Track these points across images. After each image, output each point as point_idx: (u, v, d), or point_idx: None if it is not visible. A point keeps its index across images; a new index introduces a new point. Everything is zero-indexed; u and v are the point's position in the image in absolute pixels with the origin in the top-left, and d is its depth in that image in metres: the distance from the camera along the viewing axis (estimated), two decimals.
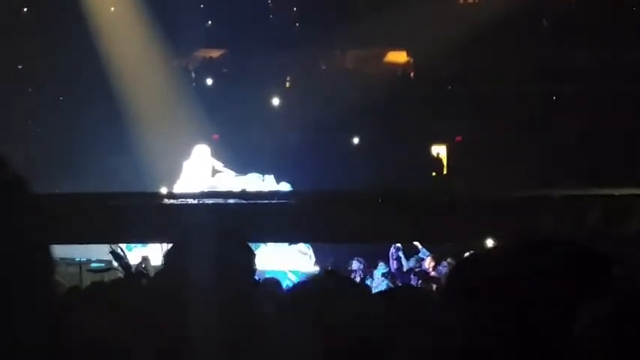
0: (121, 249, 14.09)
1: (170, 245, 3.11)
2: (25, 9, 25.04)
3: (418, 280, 14.62)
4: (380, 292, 7.73)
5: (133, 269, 12.38)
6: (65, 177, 17.49)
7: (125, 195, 13.01)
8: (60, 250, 12.46)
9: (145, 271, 12.21)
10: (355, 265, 15.59)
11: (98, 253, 14.95)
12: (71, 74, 22.37)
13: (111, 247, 14.65)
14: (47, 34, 22.63)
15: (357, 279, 14.63)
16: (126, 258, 13.20)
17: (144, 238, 14.32)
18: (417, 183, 20.97)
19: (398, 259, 15.77)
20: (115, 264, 14.84)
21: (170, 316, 2.82)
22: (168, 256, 3.08)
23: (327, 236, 13.37)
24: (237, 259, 2.98)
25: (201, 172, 18.29)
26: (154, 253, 15.90)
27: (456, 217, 12.07)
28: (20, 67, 24.06)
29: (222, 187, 16.95)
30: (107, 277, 11.15)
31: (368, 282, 14.50)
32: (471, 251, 1.83)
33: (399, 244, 15.72)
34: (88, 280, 10.48)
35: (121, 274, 11.79)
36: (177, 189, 17.30)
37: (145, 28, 22.90)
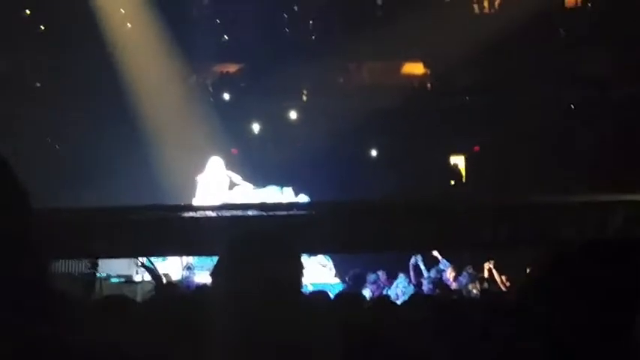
0: (150, 261, 14.14)
1: (215, 259, 3.10)
2: (42, 27, 25.16)
3: (436, 290, 14.57)
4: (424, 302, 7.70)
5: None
6: (84, 192, 17.54)
7: (145, 208, 13.03)
8: (80, 266, 12.52)
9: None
10: (374, 276, 15.55)
11: (117, 267, 15.00)
12: (88, 91, 22.45)
13: (140, 260, 14.72)
14: (64, 51, 22.74)
15: (377, 291, 14.62)
16: (156, 270, 13.25)
17: (164, 252, 14.34)
18: (436, 193, 20.94)
19: (417, 269, 15.74)
20: (136, 278, 14.90)
21: (221, 326, 2.82)
22: (216, 269, 3.07)
23: (347, 247, 13.36)
24: (286, 269, 2.97)
25: (218, 185, 18.30)
26: (174, 267, 15.95)
27: (475, 226, 12.05)
28: (38, 84, 24.17)
29: (240, 200, 16.97)
30: (127, 290, 11.18)
31: (388, 293, 14.46)
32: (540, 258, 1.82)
33: (418, 255, 15.70)
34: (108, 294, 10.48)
35: (142, 287, 11.83)
36: (195, 202, 17.32)
37: (162, 43, 22.99)
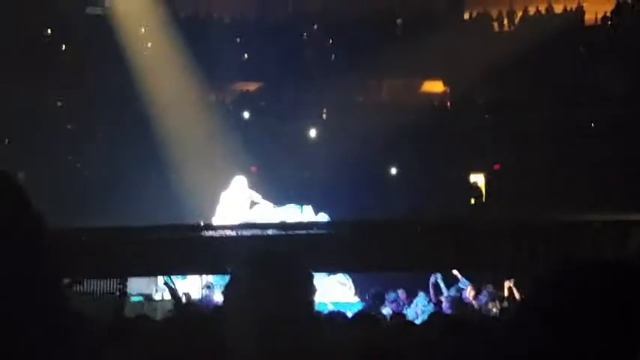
0: (171, 280, 14.17)
1: (228, 277, 3.12)
2: (64, 46, 25.33)
3: (455, 309, 14.50)
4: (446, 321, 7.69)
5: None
6: (105, 211, 17.60)
7: (165, 228, 13.07)
8: (100, 285, 12.57)
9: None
10: (394, 295, 15.51)
11: (137, 286, 15.02)
12: (110, 109, 22.57)
13: (165, 279, 14.76)
14: (85, 70, 22.88)
15: (397, 309, 14.58)
16: (176, 290, 13.30)
17: (183, 271, 14.36)
18: (456, 211, 20.89)
19: (437, 288, 15.69)
20: (156, 297, 14.93)
21: (233, 345, 2.83)
22: (228, 288, 3.09)
23: (366, 266, 13.35)
24: (297, 288, 2.98)
25: (239, 204, 18.32)
26: (194, 286, 15.95)
27: (495, 245, 12.03)
28: (60, 104, 24.31)
29: (260, 219, 16.98)
30: (147, 309, 11.21)
31: (407, 312, 14.42)
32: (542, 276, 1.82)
33: (438, 274, 15.65)
34: (129, 313, 10.52)
35: (162, 306, 11.86)
36: (216, 221, 17.34)
37: (182, 62, 23.09)
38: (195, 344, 3.26)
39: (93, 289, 11.85)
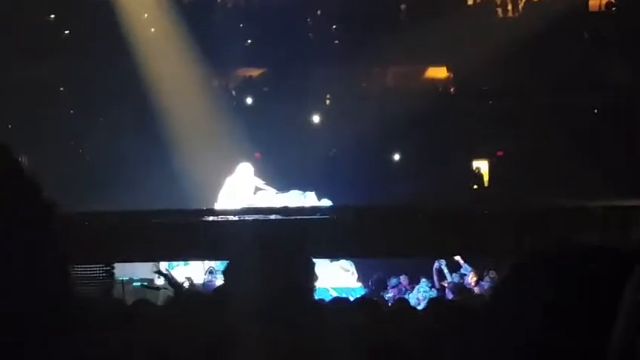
0: (166, 268, 14.18)
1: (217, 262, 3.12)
2: (67, 31, 25.28)
3: (456, 295, 14.54)
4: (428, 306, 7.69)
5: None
6: (108, 196, 17.58)
7: (168, 213, 13.05)
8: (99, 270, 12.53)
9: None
10: (395, 281, 15.55)
11: (140, 271, 15.03)
12: (113, 95, 22.55)
13: (155, 266, 14.76)
14: (88, 56, 22.84)
15: (398, 295, 14.61)
16: (172, 277, 13.29)
17: (186, 257, 14.36)
18: (459, 198, 20.88)
19: (441, 274, 15.72)
20: (158, 282, 14.94)
21: (230, 331, 2.82)
22: (227, 273, 3.08)
23: (369, 252, 13.35)
24: (296, 272, 2.97)
25: (243, 190, 18.33)
26: (196, 271, 15.96)
27: (497, 231, 12.02)
28: (62, 89, 24.29)
29: (263, 205, 16.98)
30: (149, 294, 11.19)
31: (409, 297, 14.44)
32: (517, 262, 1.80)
33: (442, 260, 15.67)
34: (131, 298, 10.51)
35: (163, 292, 11.84)
36: (218, 206, 17.34)
37: (185, 48, 23.05)
38: (193, 328, 3.25)
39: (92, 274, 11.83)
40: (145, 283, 14.80)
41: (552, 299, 1.65)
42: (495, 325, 1.71)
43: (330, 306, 7.24)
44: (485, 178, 23.90)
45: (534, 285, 1.70)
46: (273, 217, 12.61)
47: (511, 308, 1.70)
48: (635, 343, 1.43)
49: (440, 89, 25.77)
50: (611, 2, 25.13)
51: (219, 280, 14.69)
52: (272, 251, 3.02)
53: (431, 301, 8.97)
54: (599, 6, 25.58)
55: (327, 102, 25.67)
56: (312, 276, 3.03)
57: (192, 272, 15.69)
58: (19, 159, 2.08)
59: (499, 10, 26.96)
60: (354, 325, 5.94)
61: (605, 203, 12.48)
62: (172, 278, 13.21)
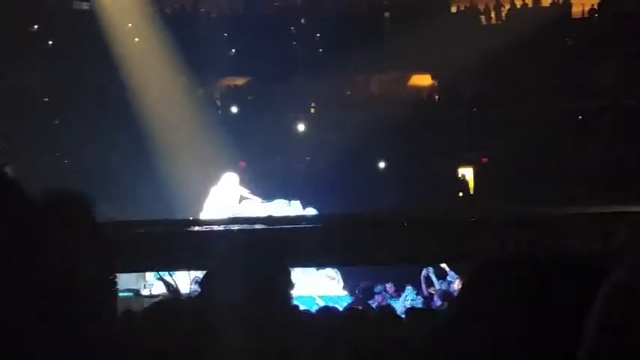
0: (170, 275, 14.11)
1: (204, 272, 3.12)
2: (51, 42, 25.23)
3: (443, 302, 14.54)
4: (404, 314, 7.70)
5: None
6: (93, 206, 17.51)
7: (152, 223, 13.02)
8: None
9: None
10: (380, 288, 15.55)
11: (126, 282, 14.96)
12: (97, 105, 22.49)
13: (158, 273, 14.71)
14: (71, 66, 22.79)
15: (383, 302, 14.60)
16: (171, 284, 13.25)
17: (172, 267, 14.33)
18: (445, 205, 20.91)
19: (429, 281, 15.73)
20: (144, 292, 14.91)
21: (206, 340, 2.82)
22: (203, 282, 3.08)
23: (355, 260, 13.33)
24: (273, 282, 2.97)
25: (228, 200, 18.30)
26: (182, 281, 15.93)
27: (481, 238, 12.03)
28: (46, 99, 24.23)
29: (248, 214, 16.95)
30: (135, 304, 11.16)
31: (395, 305, 14.43)
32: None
33: (430, 267, 15.68)
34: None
35: (149, 302, 11.80)
36: (204, 216, 17.31)
37: (170, 58, 23.02)
38: (169, 337, 3.25)
39: None
40: (131, 294, 14.77)
41: (509, 304, 1.66)
42: (459, 329, 1.73)
43: (314, 315, 7.25)
44: (471, 185, 23.93)
45: (492, 290, 1.71)
46: (258, 226, 12.60)
47: (470, 313, 1.72)
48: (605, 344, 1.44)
49: (424, 96, 25.82)
50: (594, 9, 25.26)
51: None
52: (247, 261, 3.02)
53: (409, 310, 9.02)
54: (582, 12, 25.70)
55: (312, 110, 25.69)
56: (287, 283, 3.04)
57: (178, 282, 15.65)
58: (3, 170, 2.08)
59: (483, 17, 27.07)
60: (333, 332, 5.95)
61: (591, 209, 12.51)
62: (170, 284, 13.17)
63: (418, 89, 26.20)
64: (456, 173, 23.94)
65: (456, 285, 15.40)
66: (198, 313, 3.07)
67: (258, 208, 18.09)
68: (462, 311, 1.73)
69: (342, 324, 6.43)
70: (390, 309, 11.62)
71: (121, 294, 14.08)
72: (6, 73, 22.03)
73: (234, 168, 19.70)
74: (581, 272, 1.66)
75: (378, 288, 15.57)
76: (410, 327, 7.19)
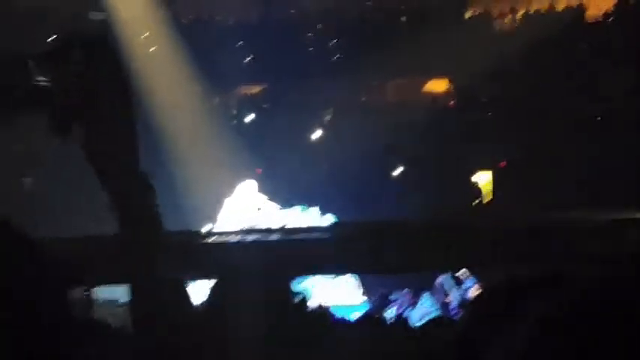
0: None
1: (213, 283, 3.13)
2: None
3: (460, 309, 14.51)
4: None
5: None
6: (108, 218, 17.54)
7: (168, 234, 12.97)
8: (104, 292, 12.47)
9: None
10: (395, 297, 15.51)
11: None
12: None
13: None
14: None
15: (400, 310, 14.57)
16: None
17: (189, 278, 14.29)
18: (463, 210, 20.84)
19: (445, 288, 15.67)
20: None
21: (213, 349, 2.83)
22: (211, 294, 3.09)
23: (371, 269, 13.30)
24: (274, 296, 2.97)
25: (245, 208, 18.31)
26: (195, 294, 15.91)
27: (501, 244, 11.96)
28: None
29: (265, 222, 16.96)
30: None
31: (412, 313, 14.39)
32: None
33: (446, 274, 15.64)
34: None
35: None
36: (221, 225, 17.33)
37: (186, 66, 23.07)
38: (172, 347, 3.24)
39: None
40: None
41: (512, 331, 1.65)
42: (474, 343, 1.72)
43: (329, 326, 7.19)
44: (489, 189, 23.83)
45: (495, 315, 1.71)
46: (274, 236, 12.57)
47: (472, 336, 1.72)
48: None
49: (441, 101, 25.76)
50: (609, 13, 25.16)
51: None
52: (248, 277, 3.03)
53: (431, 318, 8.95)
54: (596, 17, 25.61)
55: (329, 117, 25.67)
56: (288, 298, 3.04)
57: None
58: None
59: (497, 22, 27.00)
60: (347, 344, 5.91)
61: (612, 215, 12.41)
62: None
63: (434, 94, 26.15)
64: (474, 178, 23.87)
65: (473, 292, 15.35)
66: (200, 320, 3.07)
67: (275, 215, 18.11)
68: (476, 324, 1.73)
69: (356, 335, 6.39)
70: (405, 319, 11.60)
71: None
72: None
73: (251, 175, 19.72)
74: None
75: (394, 295, 15.54)
76: (425, 337, 7.14)
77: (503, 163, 23.46)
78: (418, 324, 10.53)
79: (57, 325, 1.92)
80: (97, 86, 1.82)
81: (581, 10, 25.84)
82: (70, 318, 1.99)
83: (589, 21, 25.65)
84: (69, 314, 2.00)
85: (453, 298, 15.36)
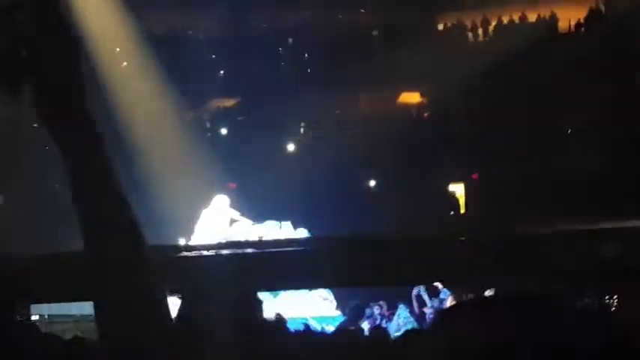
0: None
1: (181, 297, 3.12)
2: None
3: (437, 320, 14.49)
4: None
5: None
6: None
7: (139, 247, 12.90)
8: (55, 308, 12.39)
9: None
10: (369, 311, 15.47)
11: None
12: None
13: None
14: None
15: (377, 322, 14.55)
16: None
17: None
18: (435, 223, 20.86)
19: (421, 299, 15.69)
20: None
21: None
22: (181, 307, 3.09)
23: (345, 282, 13.28)
24: (239, 308, 2.97)
25: (218, 222, 18.25)
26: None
27: (473, 256, 11.98)
28: (35, 125, 24.15)
29: (239, 237, 16.92)
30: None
31: (388, 325, 14.38)
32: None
33: (421, 286, 15.64)
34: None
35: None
36: (194, 240, 17.28)
37: (158, 81, 22.99)
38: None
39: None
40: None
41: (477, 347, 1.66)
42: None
43: (303, 339, 7.19)
44: (462, 202, 23.89)
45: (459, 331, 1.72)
46: (249, 250, 12.54)
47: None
48: None
49: (414, 114, 25.83)
50: (581, 23, 25.34)
51: None
52: (213, 289, 3.03)
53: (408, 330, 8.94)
54: (569, 27, 25.78)
55: (302, 130, 25.68)
56: (255, 310, 3.04)
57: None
58: None
59: (470, 34, 27.13)
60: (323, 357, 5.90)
61: (580, 226, 12.46)
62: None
63: (407, 107, 26.22)
64: (447, 190, 23.92)
65: (449, 303, 15.35)
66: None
67: (249, 230, 18.07)
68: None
69: (332, 348, 6.38)
70: (383, 330, 11.59)
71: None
72: None
73: (224, 190, 19.66)
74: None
75: (367, 311, 15.50)
76: (403, 349, 7.13)
77: (475, 175, 23.55)
78: (397, 334, 10.55)
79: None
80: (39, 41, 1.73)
81: (553, 21, 26.02)
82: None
83: (561, 32, 25.83)
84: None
85: (431, 307, 15.36)
